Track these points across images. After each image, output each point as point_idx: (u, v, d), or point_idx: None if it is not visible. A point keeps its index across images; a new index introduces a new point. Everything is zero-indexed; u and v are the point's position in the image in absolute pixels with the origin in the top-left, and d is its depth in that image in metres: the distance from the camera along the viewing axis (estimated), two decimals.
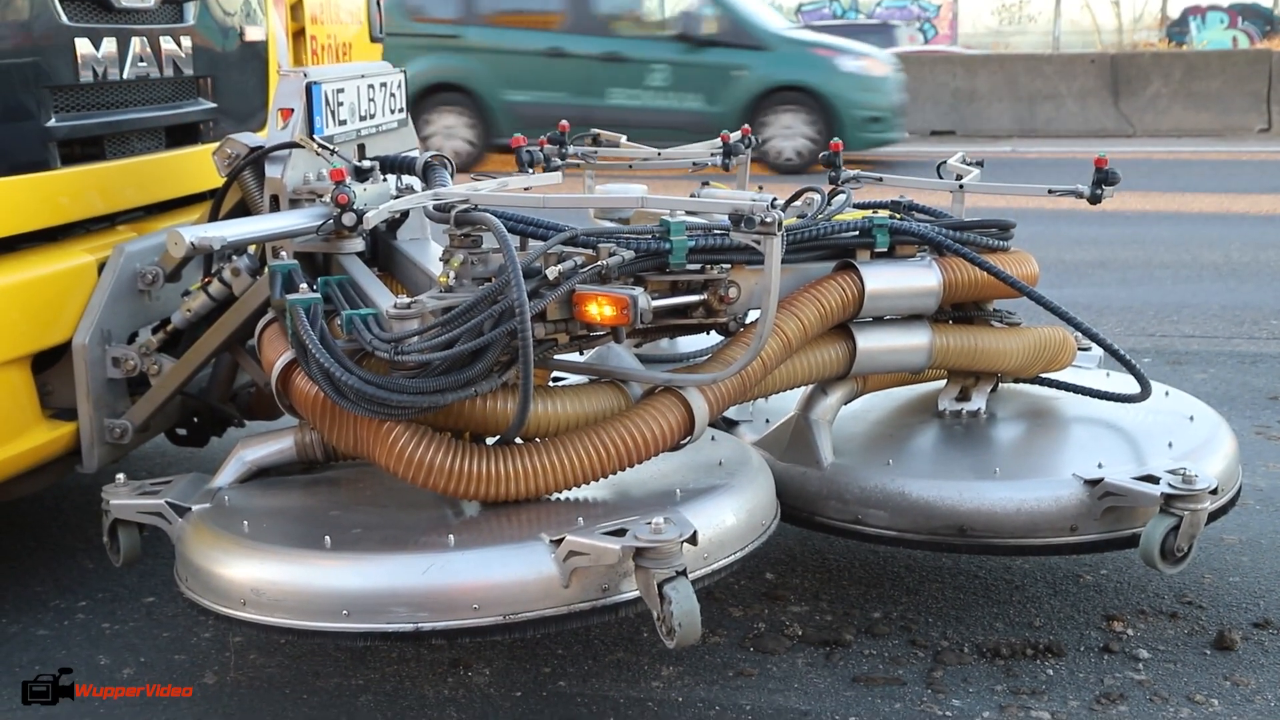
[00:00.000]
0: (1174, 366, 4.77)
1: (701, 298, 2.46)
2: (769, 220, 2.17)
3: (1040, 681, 2.43)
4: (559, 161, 3.54)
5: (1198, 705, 2.34)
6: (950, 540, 2.52)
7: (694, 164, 3.82)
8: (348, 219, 2.38)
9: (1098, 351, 3.18)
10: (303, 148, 2.60)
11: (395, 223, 2.78)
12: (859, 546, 3.01)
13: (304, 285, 2.26)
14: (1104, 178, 2.92)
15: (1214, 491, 2.42)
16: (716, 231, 2.44)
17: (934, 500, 2.50)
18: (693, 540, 2.02)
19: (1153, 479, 2.41)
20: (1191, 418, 2.83)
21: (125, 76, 2.85)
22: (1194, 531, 2.37)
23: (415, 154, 2.89)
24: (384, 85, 3.03)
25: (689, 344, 3.10)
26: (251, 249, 2.64)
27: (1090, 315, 5.47)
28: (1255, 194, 9.45)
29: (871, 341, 2.66)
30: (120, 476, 2.50)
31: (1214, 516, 2.53)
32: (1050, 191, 3.03)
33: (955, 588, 2.85)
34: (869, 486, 2.57)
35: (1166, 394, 3.00)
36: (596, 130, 3.92)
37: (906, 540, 2.56)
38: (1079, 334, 2.84)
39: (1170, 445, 2.65)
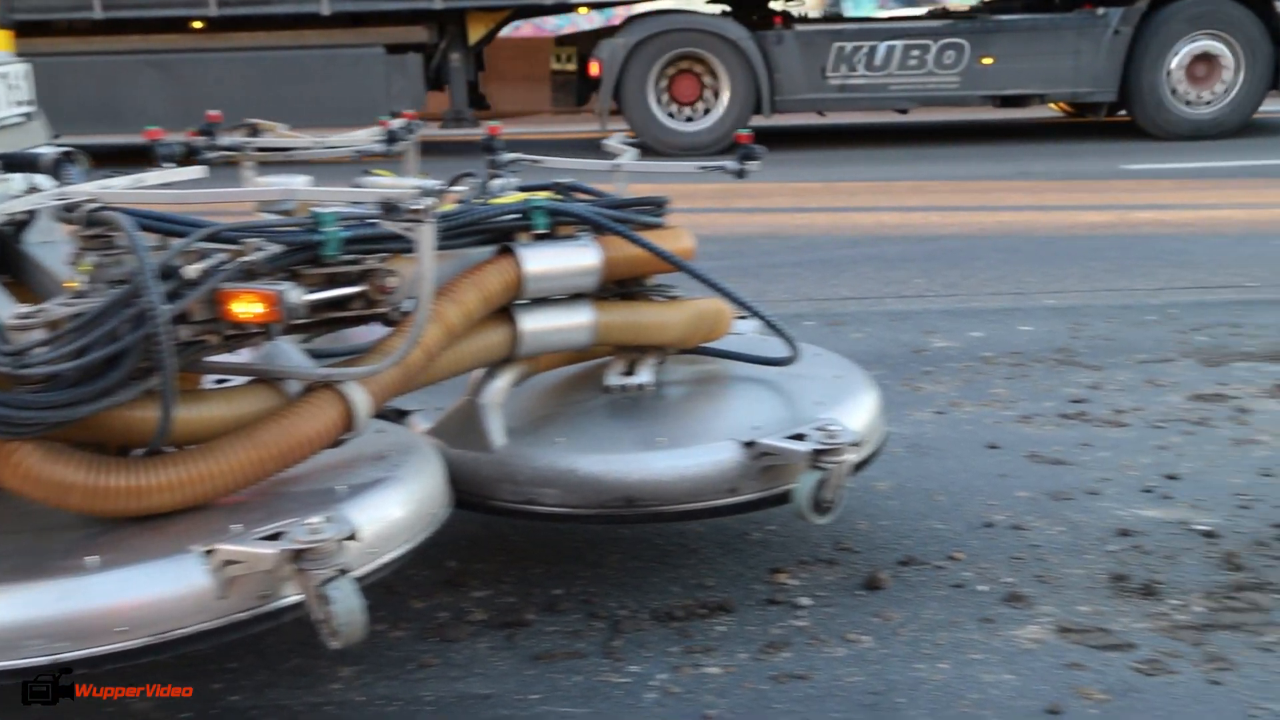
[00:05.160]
0: (834, 328, 5.09)
1: (360, 289, 2.41)
2: (418, 207, 2.16)
3: (712, 639, 2.55)
4: (209, 154, 3.39)
5: (851, 643, 2.52)
6: (620, 512, 2.58)
7: (358, 152, 3.75)
8: None
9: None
10: None
11: (23, 225, 2.57)
12: (543, 527, 3.04)
13: None
14: (748, 153, 3.07)
15: (858, 444, 2.60)
16: (371, 221, 2.40)
17: (602, 474, 2.56)
18: (355, 537, 1.99)
19: (801, 437, 2.56)
20: (838, 375, 3.03)
21: None
22: (841, 483, 2.54)
23: (46, 149, 2.69)
24: (3, 76, 2.80)
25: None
26: None
27: (760, 283, 5.77)
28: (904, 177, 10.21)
29: (535, 323, 2.69)
30: None
31: (861, 466, 2.73)
32: (702, 168, 3.16)
33: (634, 557, 2.94)
34: (540, 466, 2.60)
35: (817, 355, 3.19)
36: (253, 120, 3.77)
37: (579, 516, 2.61)
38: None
39: (819, 403, 2.82)
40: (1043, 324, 5.05)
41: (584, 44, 12.03)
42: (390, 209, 2.20)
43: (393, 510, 2.20)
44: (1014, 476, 3.41)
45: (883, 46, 10.84)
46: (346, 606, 1.90)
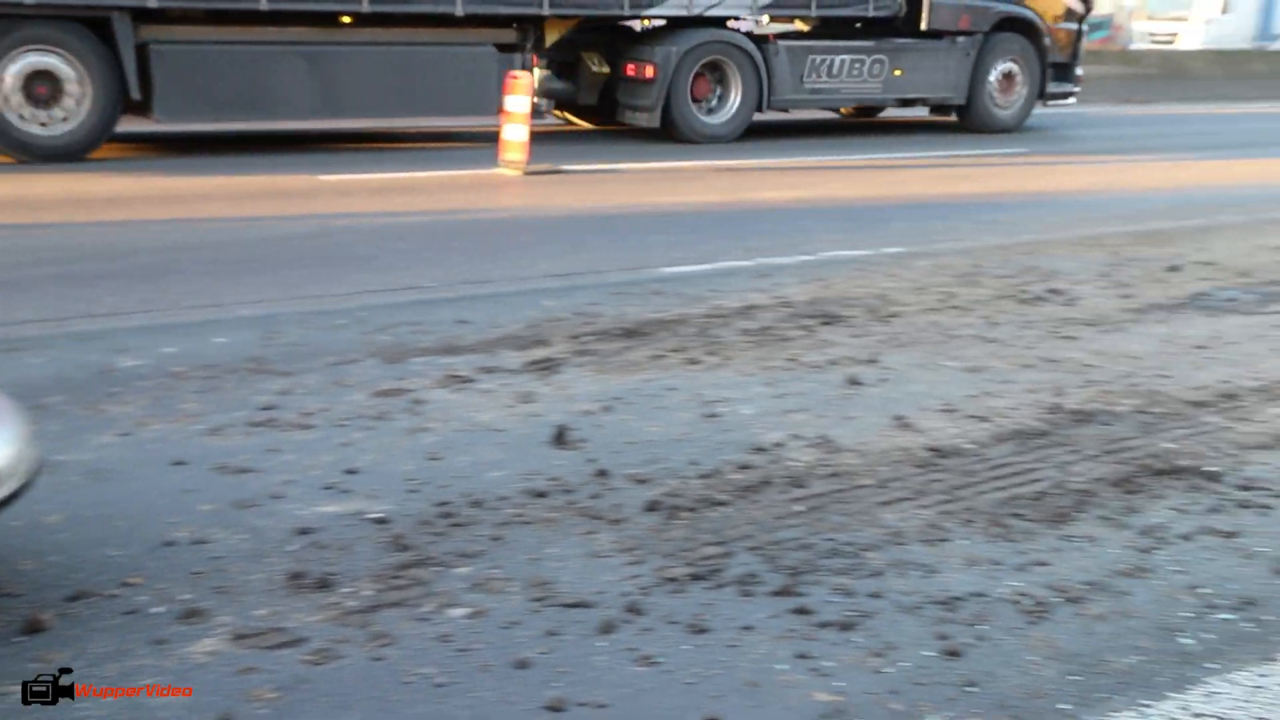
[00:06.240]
0: (8, 355, 4.64)
1: None
2: None
3: None
4: None
5: None
6: None
7: None
8: None
9: None
10: None
11: None
12: None
13: None
14: None
15: None
16: None
17: None
18: None
19: None
20: None
21: None
22: None
23: None
24: None
25: None
26: None
27: None
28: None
29: None
30: None
31: (5, 504, 2.51)
32: None
33: None
34: None
35: None
36: None
37: None
38: None
39: None
40: (238, 334, 5.06)
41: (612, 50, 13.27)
42: None
43: None
44: (199, 490, 3.37)
45: (838, 59, 13.62)
46: None
